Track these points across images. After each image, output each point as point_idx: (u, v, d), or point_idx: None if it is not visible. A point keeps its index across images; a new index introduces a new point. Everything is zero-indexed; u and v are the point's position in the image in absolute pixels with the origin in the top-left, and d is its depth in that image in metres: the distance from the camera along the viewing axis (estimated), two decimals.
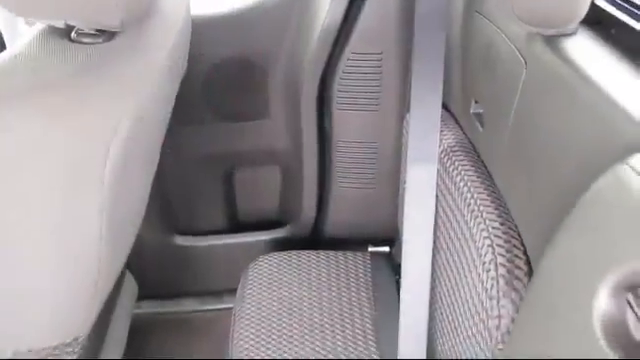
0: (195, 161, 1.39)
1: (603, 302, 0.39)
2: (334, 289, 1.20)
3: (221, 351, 1.45)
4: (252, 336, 1.09)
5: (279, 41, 1.24)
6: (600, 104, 0.54)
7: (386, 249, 1.36)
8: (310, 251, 1.30)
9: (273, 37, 1.23)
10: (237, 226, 1.52)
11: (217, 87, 1.27)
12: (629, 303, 0.38)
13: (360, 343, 1.07)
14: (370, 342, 1.07)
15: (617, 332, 0.38)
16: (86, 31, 0.61)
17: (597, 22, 0.65)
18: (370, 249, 1.33)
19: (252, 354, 1.05)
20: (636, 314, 0.37)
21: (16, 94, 0.54)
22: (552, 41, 0.64)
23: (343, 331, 1.10)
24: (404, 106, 1.21)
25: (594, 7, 0.66)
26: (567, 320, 0.43)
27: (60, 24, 0.59)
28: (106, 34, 0.62)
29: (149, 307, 1.51)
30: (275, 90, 1.30)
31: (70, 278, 0.61)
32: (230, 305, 1.52)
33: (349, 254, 1.30)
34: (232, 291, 1.48)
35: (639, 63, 0.58)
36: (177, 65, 0.77)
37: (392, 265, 1.28)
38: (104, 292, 0.67)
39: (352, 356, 1.04)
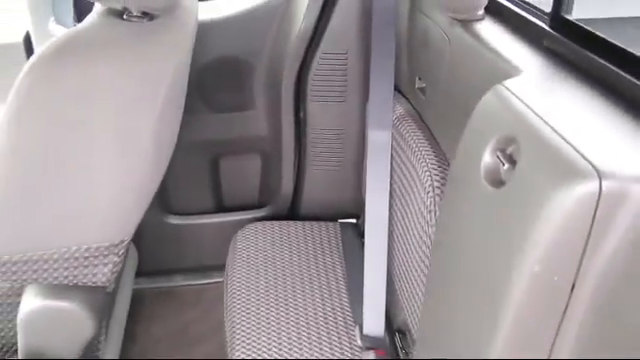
0: (187, 148, 1.59)
1: (487, 158, 0.64)
2: (310, 252, 1.43)
3: (209, 319, 1.64)
4: (243, 290, 1.29)
5: (263, 43, 1.49)
6: (497, 63, 0.80)
7: (353, 220, 1.60)
8: (289, 221, 1.53)
9: (258, 40, 1.48)
10: (222, 207, 1.73)
11: (209, 82, 1.50)
12: (499, 158, 0.63)
13: (334, 293, 1.29)
14: (342, 292, 1.29)
15: (493, 175, 0.63)
16: (134, 13, 0.85)
17: (498, 13, 0.93)
18: (339, 221, 1.57)
19: (243, 306, 1.24)
20: (503, 164, 0.62)
21: (91, 49, 0.76)
22: (467, 25, 0.91)
23: (320, 285, 1.31)
24: (366, 97, 1.46)
25: (496, 3, 0.94)
26: (466, 179, 0.68)
27: (119, 6, 0.83)
28: (148, 16, 0.85)
29: (144, 283, 1.68)
30: (259, 85, 1.55)
31: (122, 188, 0.82)
32: (216, 280, 1.73)
33: (322, 224, 1.53)
34: (218, 267, 1.68)
35: (525, 38, 0.85)
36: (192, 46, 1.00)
37: (358, 232, 1.51)
38: (144, 205, 0.88)
39: (328, 310, 1.24)
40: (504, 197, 0.61)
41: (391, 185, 1.18)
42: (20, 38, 1.44)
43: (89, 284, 0.90)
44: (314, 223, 1.52)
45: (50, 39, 1.33)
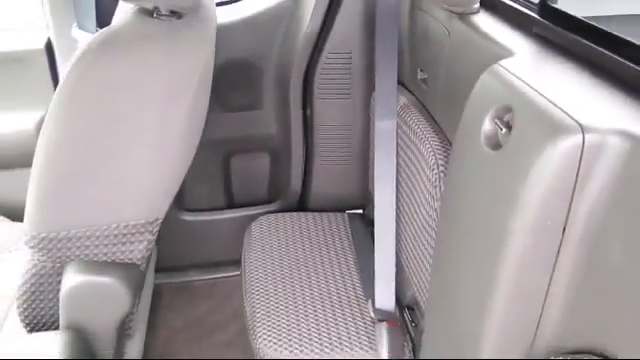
0: (200, 146, 1.69)
1: (486, 126, 0.73)
2: (321, 239, 1.51)
3: (223, 310, 1.72)
4: (261, 276, 1.37)
5: (271, 45, 1.58)
6: (493, 49, 0.89)
7: (360, 211, 1.69)
8: (299, 213, 1.62)
9: (267, 42, 1.58)
10: (233, 204, 1.81)
11: (221, 83, 1.59)
12: (497, 124, 0.72)
13: (346, 274, 1.37)
14: (353, 273, 1.37)
15: (492, 140, 0.72)
16: (163, 12, 0.94)
17: (492, 5, 1.02)
18: (347, 212, 1.65)
19: (262, 289, 1.32)
20: (501, 129, 0.71)
21: (129, 44, 0.85)
22: (464, 17, 1.00)
23: (332, 268, 1.40)
24: (370, 94, 1.56)
25: None
26: (468, 146, 0.77)
27: (150, 6, 0.92)
28: (177, 14, 0.95)
29: (161, 278, 1.76)
30: (268, 85, 1.64)
31: (156, 171, 0.91)
32: (229, 274, 1.81)
33: (331, 215, 1.62)
34: (230, 262, 1.76)
35: (516, 26, 0.95)
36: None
37: (365, 222, 1.60)
38: (175, 187, 0.97)
39: (341, 289, 1.32)
40: (502, 158, 0.70)
41: (397, 169, 1.27)
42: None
43: (126, 261, 0.98)
44: (323, 214, 1.61)
45: (74, 44, 1.42)
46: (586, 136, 0.60)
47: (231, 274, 1.80)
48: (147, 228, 0.95)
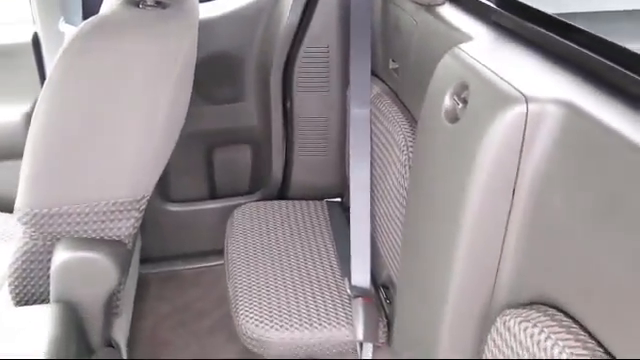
0: (184, 139, 1.74)
1: (446, 102, 0.80)
2: (300, 225, 1.58)
3: (209, 297, 1.77)
4: (242, 259, 1.43)
5: (252, 40, 1.65)
6: (455, 36, 0.96)
7: (338, 200, 1.76)
8: (280, 201, 1.68)
9: (247, 37, 1.64)
10: (216, 195, 1.87)
11: (203, 76, 1.65)
12: (455, 100, 0.79)
13: (324, 256, 1.44)
14: (331, 255, 1.44)
15: (451, 114, 0.80)
16: (149, 3, 1.00)
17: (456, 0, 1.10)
18: (326, 200, 1.72)
19: (244, 271, 1.38)
20: (458, 104, 0.78)
21: (119, 29, 0.91)
22: (430, 9, 1.08)
23: (311, 251, 1.46)
24: (346, 87, 1.63)
25: None
26: (431, 121, 0.84)
27: None
28: (162, 4, 1.01)
29: (148, 268, 1.80)
30: (249, 79, 1.70)
31: (144, 150, 0.96)
32: (213, 263, 1.86)
33: (310, 203, 1.68)
34: (214, 251, 1.82)
35: (477, 16, 1.02)
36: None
37: (343, 209, 1.67)
38: (160, 167, 1.03)
39: (320, 269, 1.39)
40: (459, 129, 0.78)
41: (372, 155, 1.34)
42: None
43: (114, 238, 1.04)
44: (303, 202, 1.67)
45: (61, 38, 1.47)
46: (529, 105, 0.68)
47: (215, 263, 1.85)
48: (134, 206, 1.01)
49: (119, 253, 1.04)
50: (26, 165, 0.94)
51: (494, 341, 0.75)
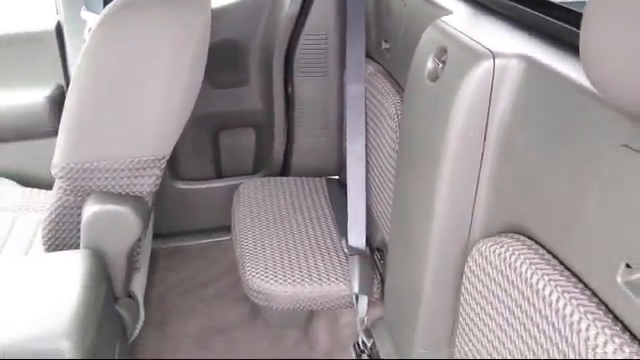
0: (192, 121, 1.87)
1: (429, 65, 0.94)
2: (301, 197, 1.71)
3: (214, 268, 1.89)
4: (248, 225, 1.55)
5: (256, 28, 1.78)
6: (438, 13, 1.10)
7: (336, 177, 1.89)
8: (282, 177, 1.81)
9: (252, 25, 1.78)
10: (221, 174, 2.00)
11: (211, 62, 1.78)
12: (436, 62, 0.92)
13: (323, 223, 1.57)
14: (329, 222, 1.57)
15: (432, 74, 0.93)
16: None
17: None
18: (324, 177, 1.85)
19: (250, 235, 1.51)
20: (438, 64, 0.92)
21: (144, 5, 1.05)
22: None
23: (310, 219, 1.59)
24: (343, 71, 1.76)
25: None
26: (416, 82, 0.97)
27: None
28: None
29: (158, 243, 1.93)
30: (253, 64, 1.84)
31: (165, 112, 1.09)
32: (218, 239, 1.99)
33: (310, 179, 1.81)
34: (219, 228, 1.94)
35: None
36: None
37: (341, 184, 1.80)
38: (179, 130, 1.16)
39: (319, 233, 1.52)
40: (438, 86, 0.91)
41: (366, 128, 1.47)
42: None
43: (137, 194, 1.17)
44: (303, 178, 1.80)
45: (82, 26, 1.61)
46: (496, 60, 0.81)
47: (220, 239, 1.98)
48: (156, 164, 1.14)
49: (141, 208, 1.17)
50: (64, 126, 1.07)
51: (470, 268, 0.88)
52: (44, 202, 1.57)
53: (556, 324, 0.67)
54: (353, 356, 1.32)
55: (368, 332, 1.30)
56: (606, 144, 0.63)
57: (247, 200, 1.68)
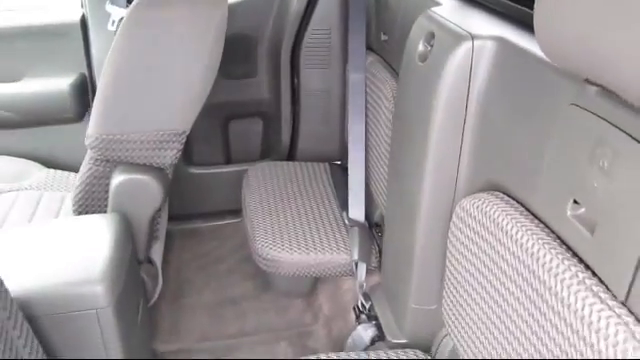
0: (204, 110, 2.01)
1: (420, 48, 1.07)
2: (306, 179, 1.84)
3: (225, 247, 2.02)
4: (257, 202, 1.69)
5: (265, 22, 1.93)
6: (429, 5, 1.24)
7: (338, 162, 2.02)
8: (289, 162, 1.95)
9: (261, 20, 1.92)
10: (231, 161, 2.14)
11: (223, 54, 1.93)
12: (426, 46, 1.06)
13: (326, 201, 1.70)
14: (332, 201, 1.70)
15: (422, 56, 1.07)
16: None
17: None
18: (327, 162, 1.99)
19: (259, 211, 1.64)
20: (427, 47, 1.05)
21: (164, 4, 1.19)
22: None
23: (315, 197, 1.73)
24: (345, 64, 1.90)
25: None
26: (408, 64, 1.11)
27: None
28: None
29: (173, 225, 2.05)
30: (262, 56, 1.98)
31: (186, 92, 1.24)
32: (228, 221, 2.12)
33: (314, 164, 1.95)
34: (229, 211, 2.08)
35: None
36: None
37: (343, 169, 1.93)
38: (197, 109, 1.30)
39: (323, 214, 1.65)
40: (427, 66, 1.04)
41: (366, 113, 1.60)
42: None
43: (159, 165, 1.31)
44: (308, 163, 1.94)
45: (106, 18, 1.75)
46: (474, 42, 0.95)
47: (230, 221, 2.12)
48: (177, 138, 1.28)
49: (162, 178, 1.31)
50: (97, 101, 1.22)
51: (455, 224, 1.01)
52: (67, 182, 1.71)
53: (529, 265, 0.79)
54: (353, 317, 1.45)
55: (366, 295, 1.43)
56: (559, 104, 0.76)
57: (255, 182, 1.81)
